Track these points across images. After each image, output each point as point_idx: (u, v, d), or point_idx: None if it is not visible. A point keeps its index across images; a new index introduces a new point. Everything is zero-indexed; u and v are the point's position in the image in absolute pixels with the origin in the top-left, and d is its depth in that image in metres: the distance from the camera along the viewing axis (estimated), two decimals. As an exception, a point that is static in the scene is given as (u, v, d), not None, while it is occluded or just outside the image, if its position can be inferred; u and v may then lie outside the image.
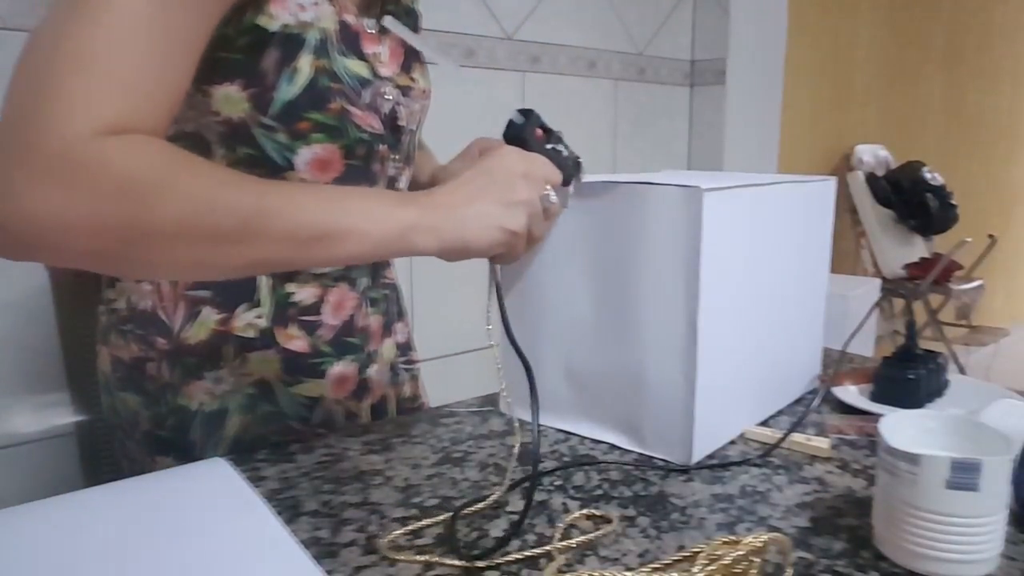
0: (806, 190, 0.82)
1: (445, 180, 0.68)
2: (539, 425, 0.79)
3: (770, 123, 2.50)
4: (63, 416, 1.20)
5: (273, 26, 0.65)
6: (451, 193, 0.62)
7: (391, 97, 0.77)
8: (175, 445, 0.77)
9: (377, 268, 0.85)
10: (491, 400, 0.86)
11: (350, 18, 0.72)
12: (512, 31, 1.91)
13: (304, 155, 0.71)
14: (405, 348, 0.94)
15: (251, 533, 0.57)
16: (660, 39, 2.28)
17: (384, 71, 0.77)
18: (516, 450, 0.68)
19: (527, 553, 0.53)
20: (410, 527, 0.57)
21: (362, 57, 0.73)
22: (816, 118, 3.05)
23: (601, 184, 0.71)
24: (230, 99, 0.67)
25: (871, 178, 3.10)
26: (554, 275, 0.76)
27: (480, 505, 0.60)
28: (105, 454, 0.95)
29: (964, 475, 0.48)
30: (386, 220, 0.58)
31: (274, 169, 0.71)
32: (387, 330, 0.88)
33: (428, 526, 0.57)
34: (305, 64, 0.68)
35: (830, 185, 0.86)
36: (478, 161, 0.65)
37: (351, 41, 0.72)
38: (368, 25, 0.76)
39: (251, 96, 0.67)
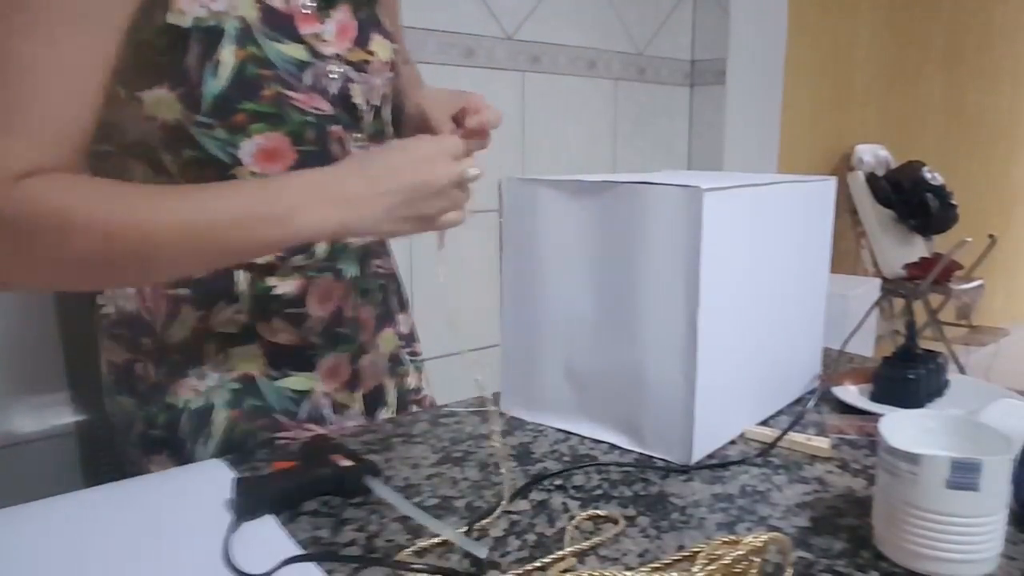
0: (806, 190, 0.82)
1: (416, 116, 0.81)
2: (542, 427, 0.79)
3: (770, 123, 2.50)
4: (63, 416, 1.20)
5: (186, 22, 0.65)
6: (370, 192, 0.65)
7: (338, 75, 0.75)
8: (167, 444, 0.77)
9: (366, 258, 0.84)
10: (491, 400, 0.86)
11: (277, 2, 0.70)
12: (512, 31, 1.91)
13: (247, 148, 0.70)
14: (409, 339, 0.94)
15: (250, 533, 0.57)
16: (660, 39, 2.28)
17: (328, 49, 0.74)
18: (499, 447, 0.68)
19: (528, 557, 0.53)
20: (422, 544, 0.57)
21: (297, 39, 0.71)
22: (816, 118, 3.05)
23: (601, 184, 0.71)
24: (161, 102, 0.67)
25: (871, 178, 3.10)
26: (554, 275, 0.76)
27: (489, 519, 0.59)
28: (105, 454, 0.96)
29: (964, 475, 0.48)
30: (282, 228, 0.62)
31: (221, 167, 0.70)
32: (385, 320, 0.87)
33: (436, 544, 0.57)
34: (228, 55, 0.67)
35: (830, 185, 0.86)
36: (401, 159, 0.67)
37: (281, 25, 0.70)
38: (304, 5, 0.72)
39: (180, 96, 0.66)
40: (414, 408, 0.92)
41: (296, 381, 0.78)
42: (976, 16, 3.91)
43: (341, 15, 0.76)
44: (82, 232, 0.57)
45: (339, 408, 0.81)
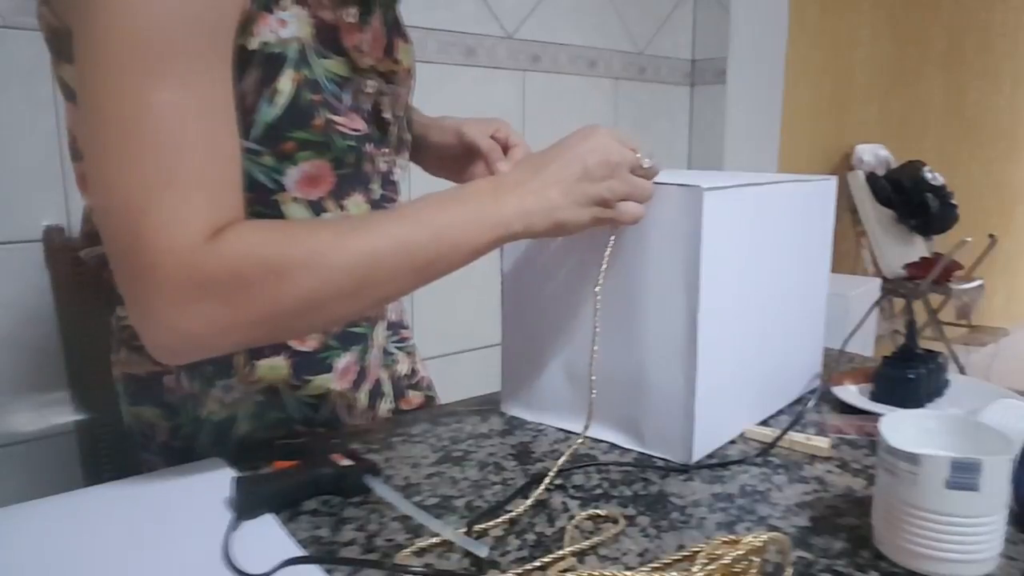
0: (807, 190, 0.82)
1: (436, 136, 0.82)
2: (542, 427, 0.79)
3: (770, 123, 2.50)
4: (63, 415, 1.20)
5: (253, 44, 0.63)
6: (545, 182, 0.64)
7: (372, 89, 0.74)
8: (188, 455, 0.76)
9: None
10: (491, 400, 0.86)
11: (326, 13, 0.68)
12: (512, 30, 1.91)
13: (292, 175, 0.69)
14: (397, 326, 0.93)
15: (250, 532, 0.57)
16: (660, 38, 2.28)
17: (365, 61, 0.73)
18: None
19: (528, 557, 0.53)
20: (422, 544, 0.57)
21: (341, 52, 0.70)
22: (816, 118, 3.05)
23: (601, 183, 0.71)
24: None
25: (871, 178, 3.10)
26: (554, 275, 0.75)
27: (496, 521, 0.59)
28: (105, 454, 0.96)
29: (964, 475, 0.48)
30: (490, 222, 0.63)
31: (264, 192, 0.68)
32: (381, 313, 0.87)
33: (436, 544, 0.57)
34: (286, 82, 0.65)
35: (831, 185, 0.86)
36: (573, 144, 0.66)
37: (330, 38, 0.69)
38: (349, 15, 0.71)
39: None
40: (411, 393, 0.91)
41: (314, 386, 0.77)
42: (976, 16, 3.91)
43: (375, 21, 0.74)
44: (304, 272, 0.56)
45: (349, 407, 0.82)
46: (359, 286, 0.59)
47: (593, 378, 0.69)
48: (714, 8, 2.30)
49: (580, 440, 0.70)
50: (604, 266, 0.69)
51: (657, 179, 0.68)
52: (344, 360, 0.79)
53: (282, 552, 0.53)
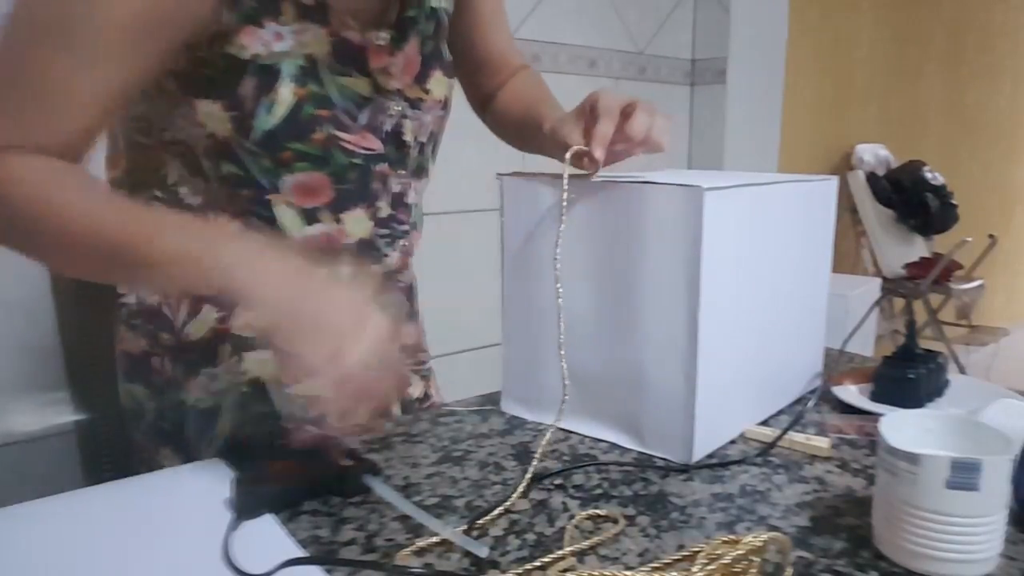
0: (807, 190, 0.82)
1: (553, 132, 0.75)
2: (543, 427, 0.79)
3: (770, 122, 2.50)
4: (63, 415, 1.20)
5: (244, 55, 0.64)
6: (301, 316, 0.59)
7: (395, 112, 0.75)
8: (173, 439, 0.77)
9: (390, 274, 0.83)
10: (491, 399, 0.86)
11: (352, 35, 0.69)
12: (513, 30, 1.91)
13: (288, 180, 0.70)
14: (414, 350, 0.93)
15: (250, 533, 0.57)
16: (660, 38, 2.28)
17: (392, 84, 0.74)
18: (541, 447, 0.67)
19: (527, 558, 0.53)
20: (421, 544, 0.56)
21: (365, 73, 0.71)
22: (816, 117, 3.05)
23: (601, 184, 0.71)
24: (213, 116, 0.66)
25: (871, 177, 3.10)
26: (555, 274, 0.75)
27: (492, 515, 0.59)
28: (105, 453, 0.95)
29: (964, 475, 0.48)
30: (208, 279, 0.60)
31: (259, 189, 0.70)
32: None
33: (436, 542, 0.57)
34: (286, 93, 0.66)
35: (831, 185, 0.86)
36: (345, 317, 0.60)
37: (353, 57, 0.70)
38: (379, 38, 0.72)
39: (232, 119, 0.66)
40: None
41: (306, 387, 0.77)
42: (977, 16, 3.91)
43: (410, 49, 0.75)
44: (30, 215, 0.59)
45: None
46: (63, 249, 0.62)
47: (564, 365, 0.68)
48: (714, 8, 2.30)
49: (552, 430, 0.69)
50: (562, 227, 0.68)
51: (657, 179, 0.68)
52: None
53: (282, 552, 0.53)
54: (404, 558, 0.53)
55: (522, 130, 0.88)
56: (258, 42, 0.64)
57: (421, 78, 0.77)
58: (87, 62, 0.59)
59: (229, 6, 0.62)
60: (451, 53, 0.85)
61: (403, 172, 0.79)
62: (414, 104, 0.77)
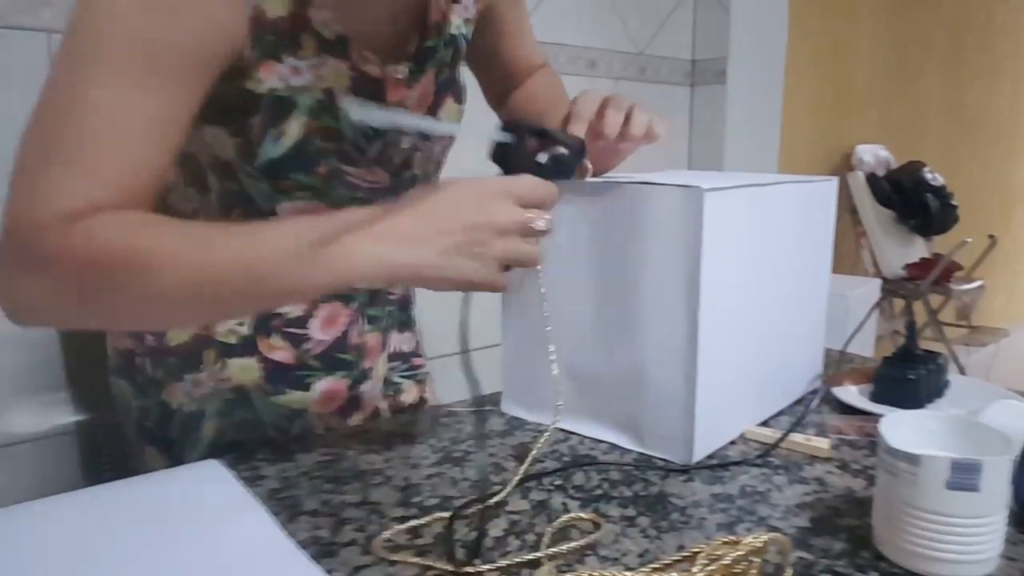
0: (807, 190, 0.82)
1: None
2: (543, 427, 0.79)
3: (770, 123, 2.50)
4: (63, 415, 1.20)
5: (260, 88, 0.64)
6: (422, 231, 0.57)
7: (408, 145, 0.75)
8: (157, 439, 0.77)
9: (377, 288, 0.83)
10: (491, 400, 0.86)
11: (372, 68, 0.69)
12: (512, 30, 1.91)
13: (286, 207, 0.70)
14: (407, 356, 0.93)
15: (249, 534, 0.57)
16: (660, 38, 2.28)
17: None
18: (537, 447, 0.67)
19: (526, 557, 0.53)
20: (407, 524, 0.57)
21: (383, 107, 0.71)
22: (816, 118, 3.05)
23: (601, 184, 0.71)
24: (218, 140, 0.67)
25: (871, 178, 3.10)
26: (555, 275, 0.75)
27: (481, 506, 0.60)
28: (105, 453, 0.95)
29: (964, 475, 0.48)
30: (336, 269, 0.56)
31: (256, 209, 0.70)
32: (383, 345, 0.87)
33: (426, 524, 0.57)
34: (295, 126, 0.66)
35: (832, 185, 0.86)
36: (460, 194, 0.58)
37: (372, 91, 0.70)
38: (398, 71, 0.71)
39: (237, 144, 0.66)
40: None
41: (291, 400, 0.77)
42: (977, 16, 3.91)
43: (426, 80, 0.75)
44: (139, 271, 0.54)
45: (330, 432, 0.81)
46: (189, 297, 0.56)
47: (555, 372, 0.68)
48: (714, 8, 2.30)
49: (549, 431, 0.69)
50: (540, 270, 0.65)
51: (657, 179, 0.68)
52: (325, 383, 0.79)
53: (280, 553, 0.53)
54: (402, 555, 0.53)
55: None
56: (275, 76, 0.64)
57: (434, 109, 0.77)
58: (153, 101, 0.56)
59: (252, 42, 0.62)
60: (472, 61, 0.85)
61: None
62: (425, 135, 0.76)
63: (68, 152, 0.55)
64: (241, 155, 0.67)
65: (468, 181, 0.59)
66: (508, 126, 0.63)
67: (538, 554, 0.53)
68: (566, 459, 0.70)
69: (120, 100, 0.55)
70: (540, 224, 0.59)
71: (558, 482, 0.65)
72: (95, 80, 0.55)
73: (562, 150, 0.65)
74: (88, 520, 0.59)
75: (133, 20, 0.55)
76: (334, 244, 0.55)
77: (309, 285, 0.57)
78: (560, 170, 0.64)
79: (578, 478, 0.66)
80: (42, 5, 1.22)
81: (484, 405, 0.85)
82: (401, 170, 0.75)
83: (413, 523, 0.57)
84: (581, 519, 0.59)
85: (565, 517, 0.59)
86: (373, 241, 0.55)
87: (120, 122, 0.56)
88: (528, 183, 0.60)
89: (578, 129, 0.70)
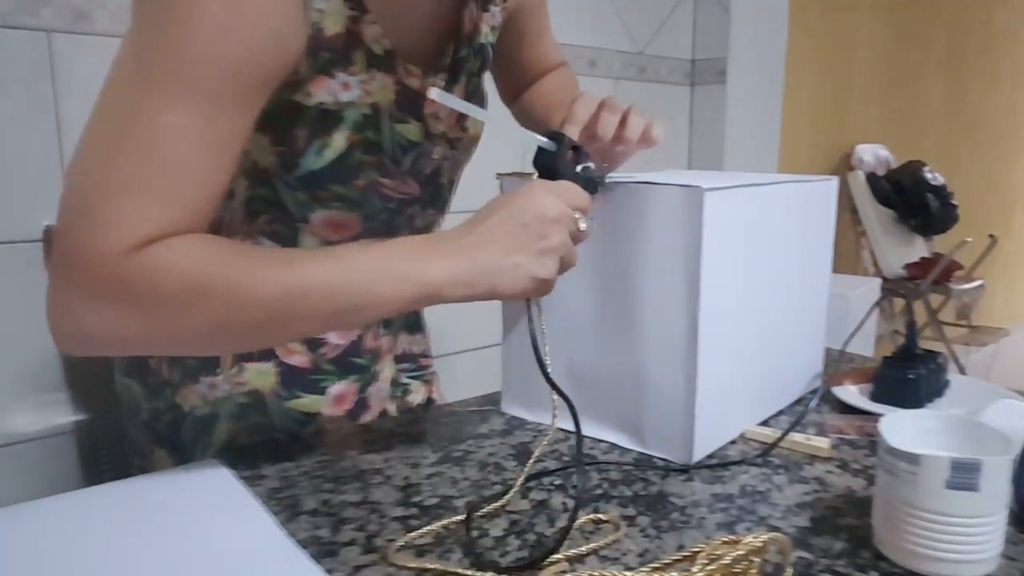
0: (808, 190, 0.82)
1: None
2: (543, 427, 0.79)
3: (770, 123, 2.50)
4: (62, 415, 1.20)
5: (309, 102, 0.64)
6: (482, 239, 0.60)
7: (438, 155, 0.76)
8: (167, 441, 0.77)
9: None
10: (491, 399, 0.86)
11: (414, 81, 0.70)
12: (512, 30, 1.91)
13: (320, 216, 0.71)
14: (415, 358, 0.93)
15: (248, 533, 0.57)
16: (660, 38, 2.28)
17: (438, 128, 0.74)
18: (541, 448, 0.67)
19: (524, 556, 0.53)
20: (421, 530, 0.57)
21: (419, 118, 0.72)
22: (816, 118, 3.05)
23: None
24: (259, 146, 0.67)
25: (871, 178, 3.10)
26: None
27: (495, 506, 0.60)
28: (105, 453, 0.95)
29: (964, 475, 0.48)
30: (418, 281, 0.58)
31: (287, 216, 0.70)
32: (392, 348, 0.87)
33: (436, 531, 0.57)
34: (340, 139, 0.66)
35: (832, 185, 0.86)
36: (509, 200, 0.61)
37: (411, 104, 0.70)
38: (436, 83, 0.72)
39: (279, 153, 0.67)
40: None
41: (304, 403, 0.78)
42: (977, 16, 3.91)
43: (458, 90, 0.76)
44: (218, 298, 0.55)
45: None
46: (271, 320, 0.57)
47: (549, 367, 0.67)
48: (714, 8, 2.30)
49: (549, 434, 0.69)
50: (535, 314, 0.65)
51: (657, 179, 0.68)
52: (339, 387, 0.80)
53: (279, 552, 0.53)
54: (403, 557, 0.53)
55: (537, 130, 0.89)
56: (325, 91, 0.64)
57: (461, 117, 0.77)
58: (221, 124, 0.56)
59: (307, 59, 0.62)
60: (492, 62, 0.86)
61: (432, 211, 0.80)
62: (453, 144, 0.78)
63: (143, 179, 0.54)
64: (281, 163, 0.67)
65: (514, 192, 0.62)
66: (551, 135, 0.66)
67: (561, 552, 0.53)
68: (566, 459, 0.70)
69: (192, 124, 0.55)
70: (583, 226, 0.63)
71: (558, 482, 0.66)
72: (168, 105, 0.54)
73: (592, 166, 0.68)
74: (88, 520, 0.59)
75: (206, 45, 0.54)
76: (413, 264, 0.58)
77: (398, 301, 0.59)
78: (589, 186, 0.67)
79: (578, 478, 0.66)
80: (42, 5, 1.21)
81: (484, 405, 0.85)
82: (432, 179, 0.77)
83: (427, 529, 0.57)
84: (598, 516, 0.59)
85: (582, 515, 0.59)
86: (441, 258, 0.58)
87: (192, 147, 0.55)
88: (571, 187, 0.63)
89: (573, 131, 0.71)
